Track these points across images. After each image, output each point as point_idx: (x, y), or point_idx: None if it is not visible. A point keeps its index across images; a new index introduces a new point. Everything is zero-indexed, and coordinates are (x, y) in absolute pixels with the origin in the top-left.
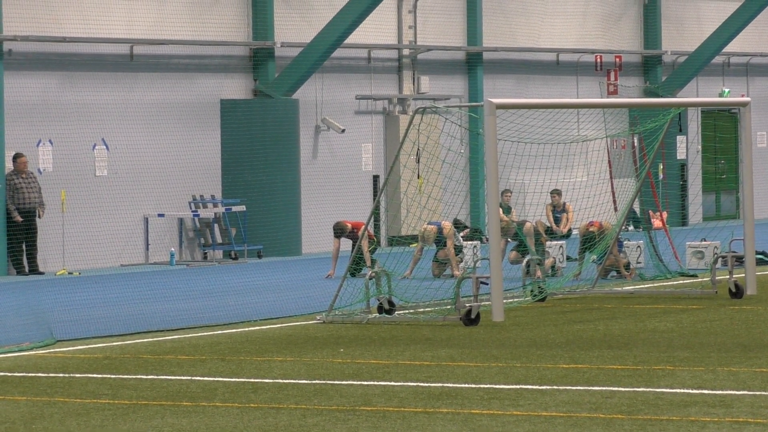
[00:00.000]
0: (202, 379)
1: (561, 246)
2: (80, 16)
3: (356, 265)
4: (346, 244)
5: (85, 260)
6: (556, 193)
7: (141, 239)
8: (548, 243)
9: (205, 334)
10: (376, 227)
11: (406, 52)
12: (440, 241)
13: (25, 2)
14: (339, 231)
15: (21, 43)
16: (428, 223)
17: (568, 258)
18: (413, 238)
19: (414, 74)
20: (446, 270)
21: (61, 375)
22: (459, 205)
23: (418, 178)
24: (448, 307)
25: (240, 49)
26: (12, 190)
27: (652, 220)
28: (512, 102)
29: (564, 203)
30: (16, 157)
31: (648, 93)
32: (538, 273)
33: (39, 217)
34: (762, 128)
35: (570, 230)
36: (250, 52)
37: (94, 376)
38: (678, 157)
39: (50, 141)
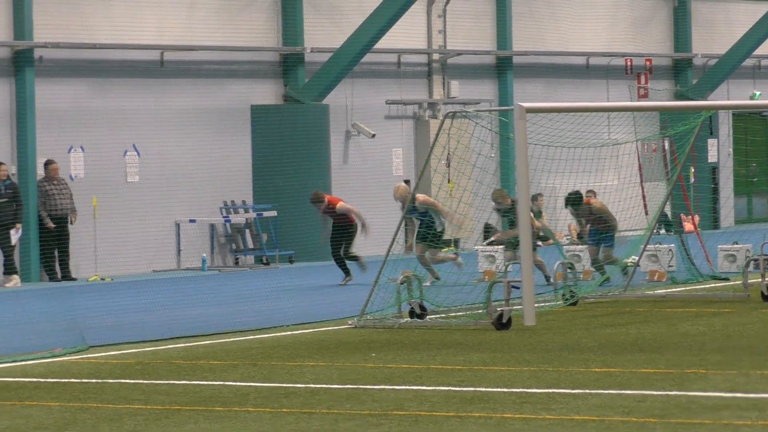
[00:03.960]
0: (234, 384)
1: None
2: (111, 23)
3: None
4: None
5: (117, 266)
6: (591, 193)
7: (173, 245)
8: (578, 247)
9: (237, 339)
10: (407, 232)
11: (435, 56)
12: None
13: (55, 9)
14: (314, 200)
15: (52, 50)
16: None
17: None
18: (445, 243)
19: (444, 79)
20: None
21: (93, 381)
22: (490, 209)
23: (449, 182)
24: (480, 311)
25: (270, 55)
26: (44, 196)
27: (683, 223)
28: (542, 106)
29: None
30: (48, 163)
31: (679, 96)
32: (562, 276)
33: (71, 223)
34: None
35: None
36: (280, 58)
37: (127, 381)
38: (709, 161)
39: (81, 147)
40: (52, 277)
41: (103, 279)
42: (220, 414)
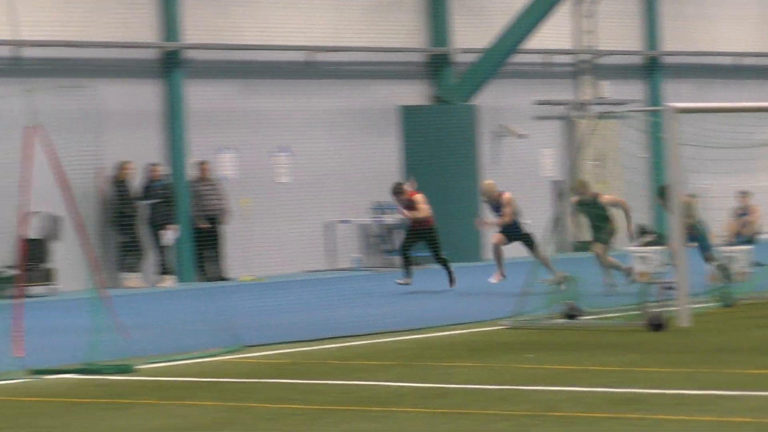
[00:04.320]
0: (389, 384)
1: (746, 250)
2: (259, 25)
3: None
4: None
5: (269, 266)
6: (743, 194)
7: (323, 245)
8: (734, 248)
9: (391, 339)
10: (559, 232)
11: (583, 57)
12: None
13: (204, 11)
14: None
15: (201, 52)
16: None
17: (758, 264)
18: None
19: (592, 79)
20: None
21: (249, 380)
22: (643, 209)
23: (600, 182)
24: (634, 312)
25: (417, 56)
26: (196, 197)
27: None
28: (693, 106)
29: (749, 205)
30: (200, 164)
31: None
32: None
33: (223, 223)
34: None
35: (755, 233)
36: (428, 59)
37: (283, 381)
38: None
39: (232, 148)
40: (206, 277)
41: (257, 279)
42: (377, 414)
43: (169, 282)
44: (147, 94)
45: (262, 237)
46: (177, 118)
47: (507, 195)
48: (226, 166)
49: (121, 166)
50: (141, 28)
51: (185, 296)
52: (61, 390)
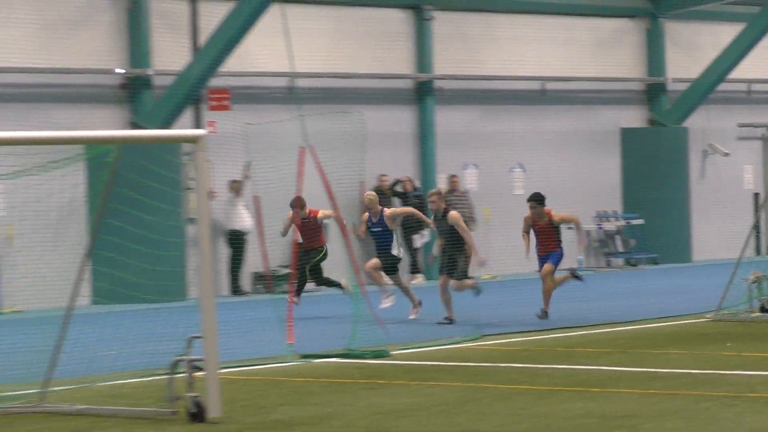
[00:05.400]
0: (606, 368)
1: None
2: (499, 58)
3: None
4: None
5: (505, 266)
6: None
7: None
8: None
9: (608, 330)
10: (757, 238)
11: None
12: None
13: (452, 47)
14: (294, 203)
15: (449, 81)
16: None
17: None
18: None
19: None
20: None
21: (486, 364)
22: None
23: None
24: None
25: (636, 84)
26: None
27: None
28: None
29: None
30: (450, 177)
31: None
32: None
33: (470, 229)
34: None
35: None
36: (646, 87)
37: (515, 365)
38: None
39: (475, 165)
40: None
41: (494, 278)
42: (595, 394)
43: (418, 279)
44: (403, 118)
45: (499, 241)
46: (428, 139)
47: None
48: (469, 180)
49: (380, 179)
50: (398, 62)
51: (432, 292)
52: (327, 372)
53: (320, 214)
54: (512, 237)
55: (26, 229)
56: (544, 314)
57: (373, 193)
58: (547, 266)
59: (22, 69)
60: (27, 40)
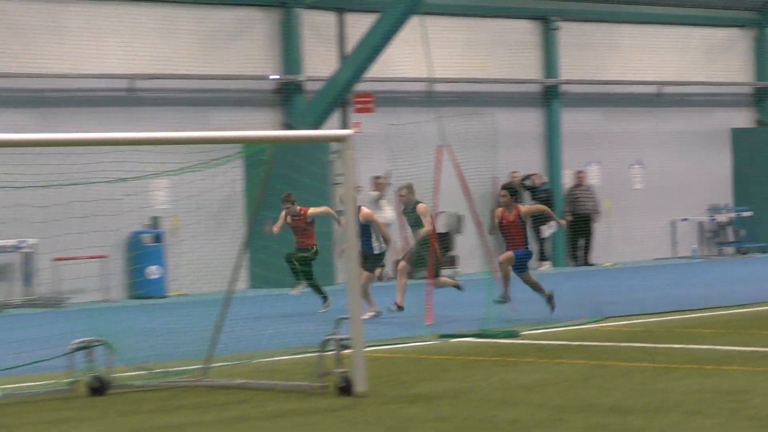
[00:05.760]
0: (721, 348)
1: None
2: (619, 64)
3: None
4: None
5: (625, 255)
6: None
7: (669, 238)
8: None
9: (723, 312)
10: None
11: None
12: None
13: (577, 54)
14: (285, 199)
15: (574, 86)
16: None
17: None
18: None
19: None
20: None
21: (609, 344)
22: None
23: None
24: None
25: (745, 88)
26: (571, 199)
27: None
28: None
29: None
30: (576, 173)
31: None
32: None
33: (594, 221)
34: None
35: None
36: (754, 90)
37: (635, 344)
38: None
39: (598, 161)
40: (576, 263)
41: (614, 264)
42: (709, 371)
43: (545, 266)
44: (531, 120)
45: (620, 232)
46: (554, 138)
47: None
48: (592, 176)
49: (511, 175)
50: (527, 68)
51: (559, 278)
52: (462, 350)
53: (310, 212)
54: (631, 227)
55: (190, 220)
56: (506, 299)
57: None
58: (508, 253)
59: (187, 76)
60: (190, 50)
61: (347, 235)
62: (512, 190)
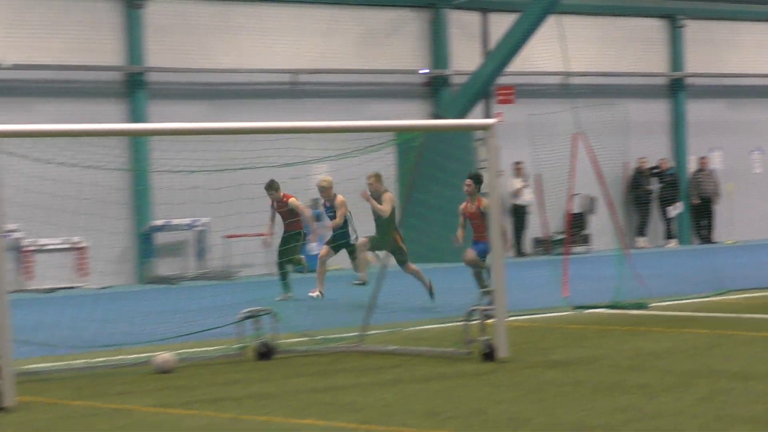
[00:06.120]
0: None
1: None
2: (741, 58)
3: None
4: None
5: (746, 233)
6: None
7: None
8: None
9: None
10: None
11: None
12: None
13: (701, 49)
14: (268, 186)
15: (698, 78)
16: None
17: None
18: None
19: None
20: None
21: (731, 315)
22: None
23: None
24: None
25: None
26: (695, 182)
27: None
28: None
29: None
30: (700, 159)
31: None
32: None
33: (715, 203)
34: None
35: None
36: None
37: (756, 316)
38: None
39: (720, 148)
40: (700, 241)
41: (735, 242)
42: None
43: (672, 244)
44: (659, 110)
45: (741, 212)
46: (680, 127)
47: (341, 197)
48: (716, 161)
49: (639, 161)
50: (654, 62)
51: (684, 254)
52: (595, 320)
53: (292, 200)
54: (751, 207)
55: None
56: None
57: (328, 179)
58: (470, 251)
59: (345, 70)
60: (349, 47)
61: (493, 216)
62: (477, 179)
